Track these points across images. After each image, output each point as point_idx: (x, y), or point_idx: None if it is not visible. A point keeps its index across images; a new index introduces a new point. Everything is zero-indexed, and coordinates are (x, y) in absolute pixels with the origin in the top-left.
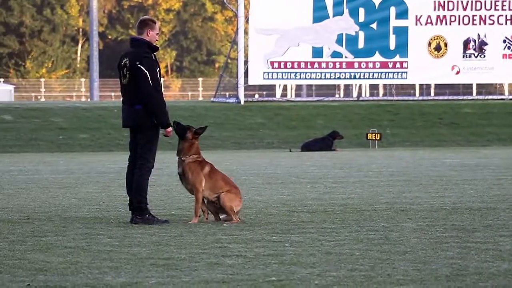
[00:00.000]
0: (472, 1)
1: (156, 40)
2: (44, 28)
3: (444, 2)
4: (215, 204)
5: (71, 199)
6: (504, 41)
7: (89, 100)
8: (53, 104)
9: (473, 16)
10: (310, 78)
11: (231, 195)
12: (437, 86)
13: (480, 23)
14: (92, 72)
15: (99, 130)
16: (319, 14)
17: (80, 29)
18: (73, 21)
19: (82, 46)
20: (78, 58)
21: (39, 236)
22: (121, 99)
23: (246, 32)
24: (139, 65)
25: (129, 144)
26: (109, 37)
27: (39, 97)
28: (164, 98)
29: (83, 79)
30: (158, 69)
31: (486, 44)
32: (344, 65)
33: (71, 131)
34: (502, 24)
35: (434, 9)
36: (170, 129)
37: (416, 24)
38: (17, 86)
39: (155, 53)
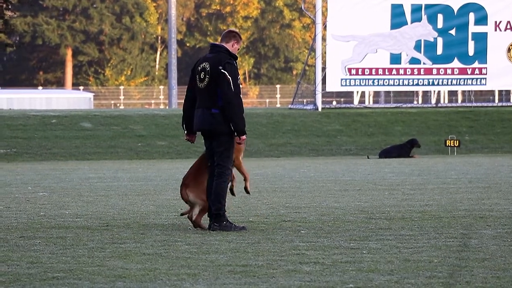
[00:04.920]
0: None
1: (235, 54)
2: (123, 36)
3: None
4: None
5: (150, 206)
6: None
7: (167, 107)
8: (132, 112)
9: None
10: (388, 85)
11: None
12: None
13: None
14: (171, 80)
15: (177, 137)
16: (397, 21)
17: (159, 37)
18: (152, 29)
19: (160, 54)
20: (157, 66)
21: (118, 243)
22: (185, 103)
23: (323, 39)
24: (222, 70)
25: (206, 153)
26: (188, 44)
27: (118, 104)
28: (243, 105)
29: (161, 87)
30: (239, 76)
31: None
32: (422, 71)
33: (150, 138)
34: None
35: None
36: (244, 137)
37: (496, 30)
38: (97, 93)
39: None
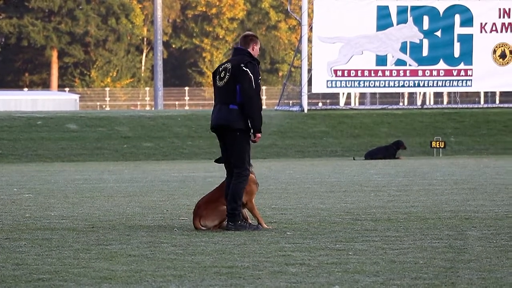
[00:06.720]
0: None
1: (257, 55)
2: (109, 38)
3: (509, 9)
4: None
5: (135, 207)
6: None
7: (153, 109)
8: (117, 113)
9: None
10: (374, 86)
11: None
12: (502, 93)
13: None
14: (156, 81)
15: (163, 139)
16: (383, 22)
17: (145, 38)
18: (138, 30)
19: (146, 55)
20: (143, 67)
21: (104, 245)
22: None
23: (309, 41)
24: (244, 68)
25: (222, 155)
26: (173, 46)
27: (104, 106)
28: (262, 104)
29: (147, 88)
30: (259, 77)
31: None
32: (408, 73)
33: (136, 140)
34: None
35: (499, 17)
36: (259, 135)
37: (481, 31)
38: (82, 95)
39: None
